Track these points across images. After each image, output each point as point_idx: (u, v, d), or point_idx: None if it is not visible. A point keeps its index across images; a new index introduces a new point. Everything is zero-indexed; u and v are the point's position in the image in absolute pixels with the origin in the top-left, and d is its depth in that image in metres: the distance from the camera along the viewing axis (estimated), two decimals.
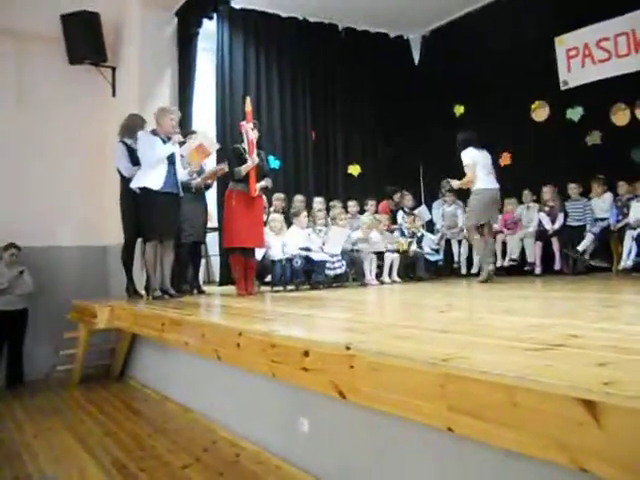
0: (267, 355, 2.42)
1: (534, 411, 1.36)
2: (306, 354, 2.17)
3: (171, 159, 4.67)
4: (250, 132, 4.92)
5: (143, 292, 5.22)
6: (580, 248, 6.09)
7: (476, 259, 6.69)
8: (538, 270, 6.37)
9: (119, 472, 3.21)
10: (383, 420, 2.26)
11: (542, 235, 6.37)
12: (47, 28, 6.18)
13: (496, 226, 7.00)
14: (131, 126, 5.04)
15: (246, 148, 4.91)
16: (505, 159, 7.28)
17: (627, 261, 5.61)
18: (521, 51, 6.78)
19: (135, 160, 4.87)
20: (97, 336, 5.56)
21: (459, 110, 7.83)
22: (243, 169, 4.83)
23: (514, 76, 6.84)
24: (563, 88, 6.59)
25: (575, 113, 6.55)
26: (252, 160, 4.83)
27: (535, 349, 1.80)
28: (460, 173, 5.63)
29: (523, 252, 6.57)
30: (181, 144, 4.77)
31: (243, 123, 5.02)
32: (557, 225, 6.35)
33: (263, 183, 5.04)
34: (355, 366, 1.93)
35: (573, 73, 6.47)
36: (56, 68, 6.31)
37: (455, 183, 5.80)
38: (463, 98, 7.71)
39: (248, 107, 5.06)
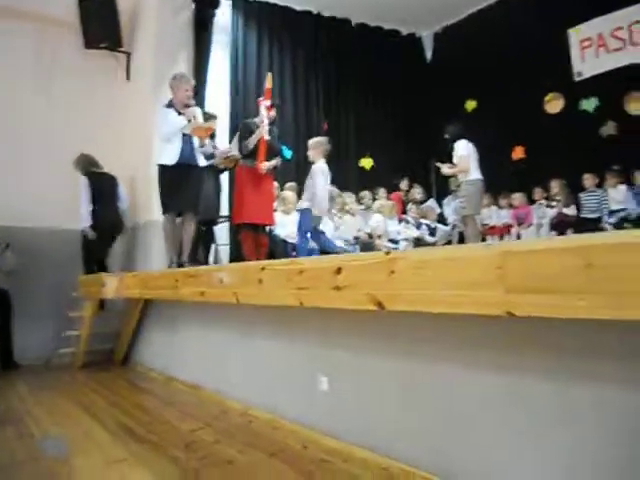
0: (293, 283, 2.30)
1: (611, 269, 1.24)
2: (338, 271, 2.05)
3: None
4: (264, 109, 4.86)
5: None
6: None
7: None
8: None
9: (126, 434, 3.07)
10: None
11: (558, 226, 6.27)
12: (64, 12, 6.18)
13: (506, 220, 6.97)
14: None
15: (257, 123, 4.85)
16: (518, 152, 7.23)
17: None
18: (533, 44, 6.76)
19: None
20: (100, 320, 5.43)
21: (471, 105, 7.80)
22: (251, 140, 4.77)
23: (527, 69, 6.83)
24: (577, 79, 6.57)
25: (590, 104, 6.52)
26: (261, 131, 4.75)
27: None
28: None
29: None
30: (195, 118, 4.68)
31: (260, 99, 4.97)
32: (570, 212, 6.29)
33: (273, 162, 4.95)
34: (396, 271, 1.80)
35: (587, 63, 6.45)
36: (72, 52, 6.31)
37: (446, 169, 5.96)
38: (475, 93, 7.69)
39: (269, 84, 5.00)
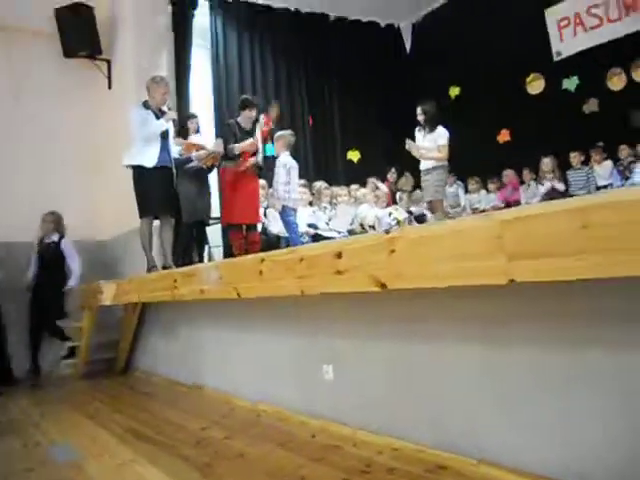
0: (295, 272, 2.31)
1: (607, 227, 1.26)
2: (339, 256, 2.07)
3: (165, 135, 4.51)
4: (260, 130, 4.90)
5: None
6: None
7: None
8: None
9: (135, 437, 3.06)
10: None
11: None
12: (40, 22, 6.13)
13: (495, 203, 7.01)
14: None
15: (241, 124, 4.85)
16: (504, 135, 7.29)
17: None
18: (512, 27, 6.82)
19: None
20: (99, 330, 5.39)
21: (454, 92, 7.87)
22: (237, 147, 4.72)
23: (507, 53, 6.88)
24: (557, 59, 6.65)
25: (571, 83, 6.59)
26: (253, 141, 4.75)
27: None
28: None
29: None
30: (174, 122, 4.69)
31: (264, 119, 4.96)
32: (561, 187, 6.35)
33: (253, 159, 4.85)
34: (396, 249, 1.82)
35: (566, 43, 6.53)
36: (51, 62, 6.26)
37: (417, 151, 5.47)
38: (457, 79, 7.76)
39: (274, 113, 5.01)
